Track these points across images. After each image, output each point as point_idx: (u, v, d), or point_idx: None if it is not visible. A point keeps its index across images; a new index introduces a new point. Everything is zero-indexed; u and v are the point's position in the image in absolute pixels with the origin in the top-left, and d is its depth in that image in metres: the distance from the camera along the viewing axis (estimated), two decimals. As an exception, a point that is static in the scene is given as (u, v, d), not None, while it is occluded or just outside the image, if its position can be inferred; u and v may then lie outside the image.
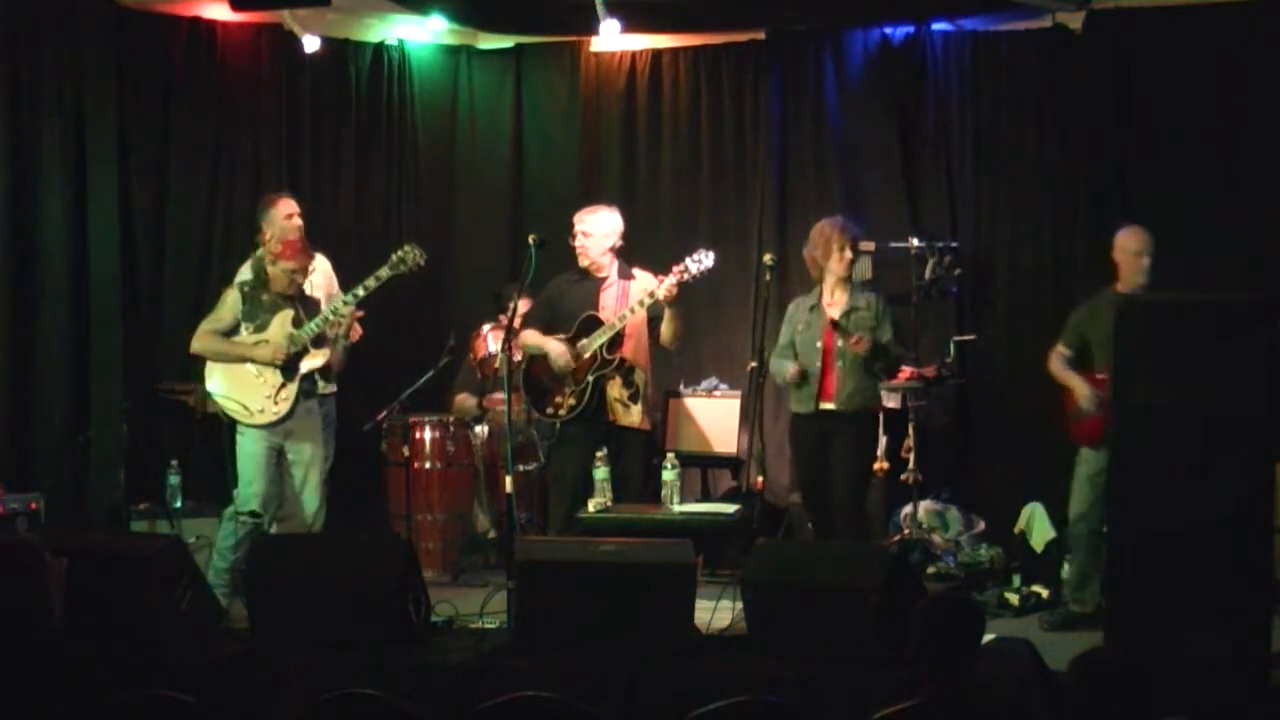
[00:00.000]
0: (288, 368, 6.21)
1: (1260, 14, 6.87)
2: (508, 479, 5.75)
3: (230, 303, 6.28)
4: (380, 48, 8.16)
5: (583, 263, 6.47)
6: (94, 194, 7.23)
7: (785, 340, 6.51)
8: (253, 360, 6.19)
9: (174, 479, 6.91)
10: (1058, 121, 7.37)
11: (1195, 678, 4.49)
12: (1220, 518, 4.76)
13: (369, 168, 8.17)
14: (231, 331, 6.26)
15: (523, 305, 6.24)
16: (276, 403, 6.19)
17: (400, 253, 6.31)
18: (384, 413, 7.20)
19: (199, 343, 6.31)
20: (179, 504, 6.89)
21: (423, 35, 8.23)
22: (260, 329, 6.24)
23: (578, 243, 6.46)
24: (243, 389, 6.19)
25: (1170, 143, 7.09)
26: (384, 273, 6.29)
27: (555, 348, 6.37)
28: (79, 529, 6.85)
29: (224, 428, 6.29)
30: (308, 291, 6.43)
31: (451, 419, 7.32)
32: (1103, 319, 5.99)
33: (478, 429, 7.34)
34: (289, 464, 6.25)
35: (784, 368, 6.42)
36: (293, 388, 6.21)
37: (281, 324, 6.22)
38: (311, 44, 7.68)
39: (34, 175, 7.13)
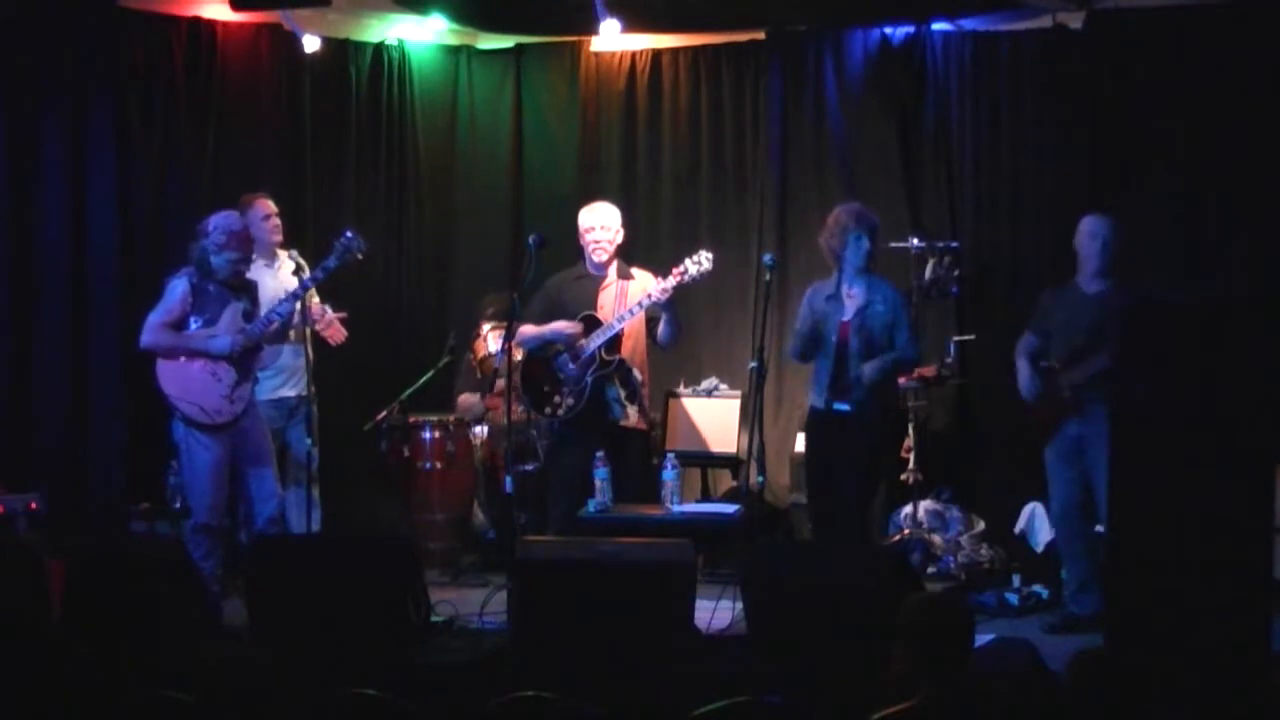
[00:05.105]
0: (242, 364, 6.09)
1: (1260, 14, 6.87)
2: (508, 479, 5.75)
3: (180, 293, 6.08)
4: (380, 48, 8.15)
5: (601, 258, 6.46)
6: (94, 194, 7.22)
7: (804, 328, 6.30)
8: (207, 354, 6.03)
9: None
10: (1058, 121, 7.36)
11: (1195, 678, 4.48)
12: (1220, 518, 4.76)
13: (369, 168, 8.15)
14: (180, 324, 6.09)
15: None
16: (233, 401, 6.06)
17: (345, 239, 6.18)
18: (384, 413, 7.19)
19: (151, 336, 6.06)
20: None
21: (423, 35, 8.22)
22: (210, 322, 6.08)
23: (606, 239, 6.44)
24: (199, 389, 6.04)
25: (1170, 143, 7.08)
26: (330, 263, 6.18)
27: (558, 323, 6.36)
28: (79, 529, 6.84)
29: (167, 428, 6.18)
30: (284, 286, 6.36)
31: (451, 419, 7.31)
32: (1059, 308, 6.07)
33: (478, 429, 7.34)
34: (240, 461, 6.13)
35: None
36: (247, 386, 6.11)
37: (233, 316, 6.10)
38: (311, 44, 7.67)
39: (34, 175, 7.13)
